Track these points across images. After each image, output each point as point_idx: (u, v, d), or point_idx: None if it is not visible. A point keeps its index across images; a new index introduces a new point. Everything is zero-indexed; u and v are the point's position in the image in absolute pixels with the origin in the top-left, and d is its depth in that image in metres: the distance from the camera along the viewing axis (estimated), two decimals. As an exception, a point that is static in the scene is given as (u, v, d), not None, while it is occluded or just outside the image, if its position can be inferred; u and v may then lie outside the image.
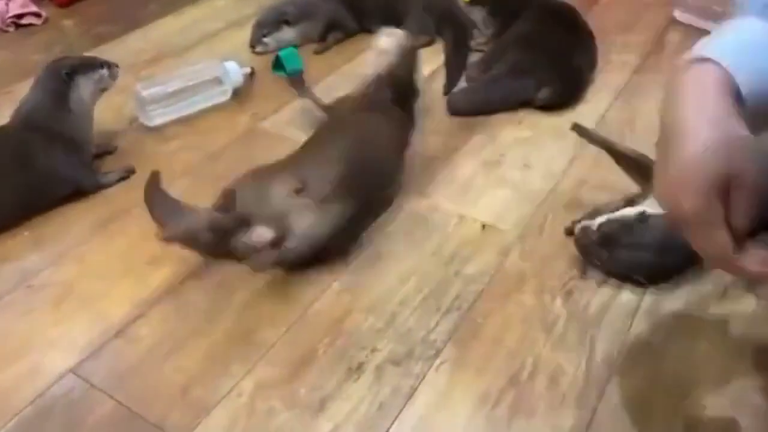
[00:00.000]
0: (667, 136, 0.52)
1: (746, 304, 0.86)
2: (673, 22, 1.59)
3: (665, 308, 0.87)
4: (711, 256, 0.50)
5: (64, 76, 1.06)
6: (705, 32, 1.46)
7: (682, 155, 0.49)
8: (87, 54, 1.50)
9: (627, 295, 0.88)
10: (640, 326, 0.84)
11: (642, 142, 1.18)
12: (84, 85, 1.08)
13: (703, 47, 0.54)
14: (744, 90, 0.51)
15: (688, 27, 1.55)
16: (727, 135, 0.49)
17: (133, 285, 0.92)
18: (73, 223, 1.03)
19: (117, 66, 1.13)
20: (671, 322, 0.85)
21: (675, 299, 0.88)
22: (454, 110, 1.29)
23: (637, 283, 0.88)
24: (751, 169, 0.49)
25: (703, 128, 0.50)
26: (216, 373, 0.80)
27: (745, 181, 0.49)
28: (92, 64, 1.11)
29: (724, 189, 0.49)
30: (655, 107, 1.23)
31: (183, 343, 0.84)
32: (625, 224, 0.85)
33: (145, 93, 1.23)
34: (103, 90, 1.12)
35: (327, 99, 1.37)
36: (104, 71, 1.11)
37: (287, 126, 1.27)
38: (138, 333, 0.85)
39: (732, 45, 0.54)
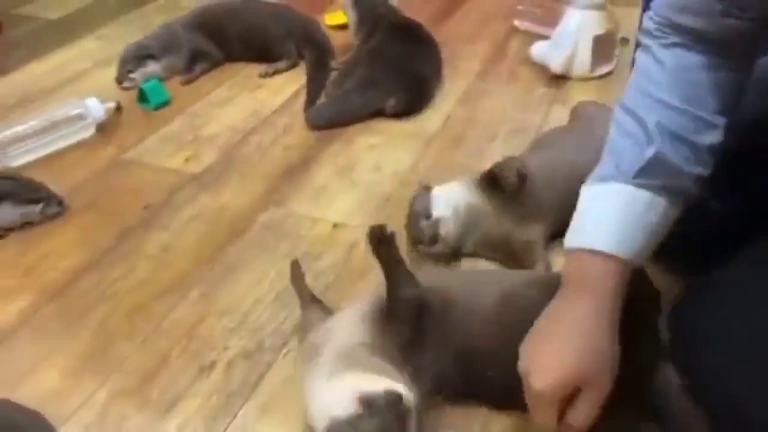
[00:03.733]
0: (548, 327, 0.67)
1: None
2: (514, 30, 1.75)
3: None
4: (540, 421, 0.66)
5: None
6: (542, 37, 1.62)
7: (547, 365, 0.64)
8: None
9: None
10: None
11: (481, 139, 1.32)
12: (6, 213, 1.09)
13: (586, 235, 0.67)
14: (635, 259, 0.67)
15: (527, 33, 1.71)
16: (587, 350, 0.64)
17: (-13, 318, 0.94)
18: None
19: (61, 203, 1.13)
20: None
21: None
22: (312, 124, 1.37)
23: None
24: (601, 379, 0.63)
25: (572, 342, 0.64)
26: (70, 389, 0.83)
27: (593, 387, 0.63)
28: (29, 198, 1.10)
29: (572, 390, 0.63)
30: (493, 107, 1.39)
31: (37, 365, 0.86)
32: None
33: (1, 135, 1.25)
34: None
35: (193, 126, 1.42)
36: (36, 207, 1.10)
37: (149, 154, 1.31)
38: (-8, 362, 0.87)
39: (611, 232, 0.66)
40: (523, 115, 1.38)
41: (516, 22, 1.75)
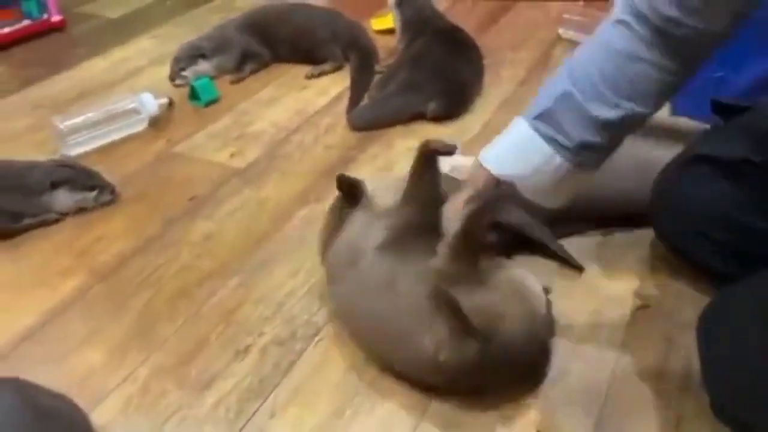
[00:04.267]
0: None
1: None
2: (559, 38, 1.75)
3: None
4: None
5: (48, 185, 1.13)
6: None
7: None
8: (14, 96, 1.61)
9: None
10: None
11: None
12: (63, 198, 1.15)
13: (486, 154, 0.82)
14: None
15: (572, 42, 1.71)
16: None
17: (43, 294, 1.00)
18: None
19: (113, 191, 1.19)
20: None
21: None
22: (353, 125, 1.41)
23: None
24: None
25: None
26: (114, 365, 0.88)
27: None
28: (84, 185, 1.16)
29: None
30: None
31: (85, 341, 0.92)
32: None
33: (62, 125, 1.33)
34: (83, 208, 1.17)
35: (240, 123, 1.47)
36: (91, 194, 1.17)
37: (197, 149, 1.37)
38: (45, 336, 0.93)
39: (500, 153, 0.81)
40: (563, 122, 1.39)
41: (561, 31, 1.76)
